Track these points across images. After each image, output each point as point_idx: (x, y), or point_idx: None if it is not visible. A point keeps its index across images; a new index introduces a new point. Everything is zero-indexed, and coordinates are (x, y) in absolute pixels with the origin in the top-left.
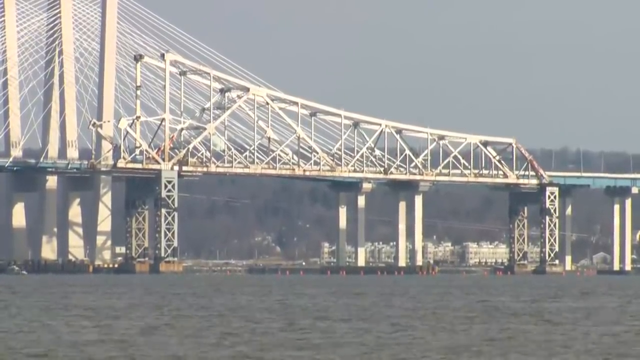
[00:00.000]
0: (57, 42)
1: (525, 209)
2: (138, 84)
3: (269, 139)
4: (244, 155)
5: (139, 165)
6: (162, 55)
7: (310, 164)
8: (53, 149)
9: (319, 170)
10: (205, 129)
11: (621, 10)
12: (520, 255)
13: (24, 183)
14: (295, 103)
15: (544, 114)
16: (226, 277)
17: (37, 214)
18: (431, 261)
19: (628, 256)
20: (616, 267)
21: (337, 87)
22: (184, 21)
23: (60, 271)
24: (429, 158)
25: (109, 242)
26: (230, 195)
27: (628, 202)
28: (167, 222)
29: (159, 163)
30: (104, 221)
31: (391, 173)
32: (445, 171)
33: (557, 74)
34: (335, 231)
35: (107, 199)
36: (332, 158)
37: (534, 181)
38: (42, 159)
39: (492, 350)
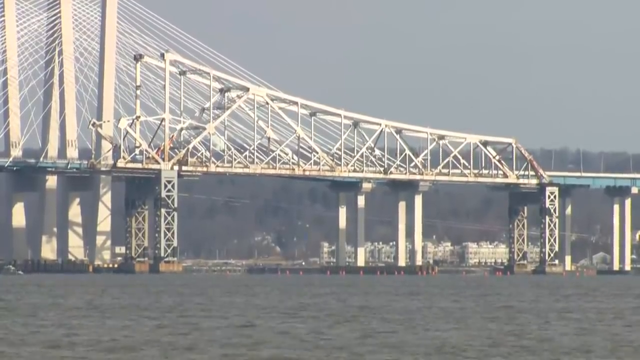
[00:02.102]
0: (57, 42)
1: (525, 209)
2: (138, 83)
3: (268, 138)
4: (243, 155)
5: (138, 165)
6: (162, 55)
7: (310, 163)
8: (53, 149)
9: (319, 170)
10: (205, 128)
11: (621, 11)
12: (520, 255)
13: (24, 183)
14: (295, 103)
15: (544, 114)
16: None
17: (36, 214)
18: (431, 261)
19: (628, 256)
20: (616, 267)
21: (337, 87)
22: (184, 21)
23: (59, 271)
24: (429, 158)
25: (108, 242)
26: (230, 195)
27: (628, 202)
28: (166, 222)
29: (158, 163)
30: (104, 221)
31: (391, 173)
32: (445, 171)
33: (557, 74)
34: (334, 231)
35: (106, 198)
36: (331, 158)
37: (534, 181)
38: (41, 159)
39: None
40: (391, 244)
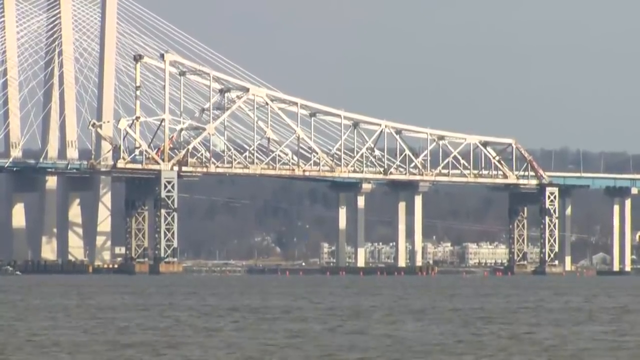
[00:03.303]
0: (56, 43)
1: (525, 209)
2: (138, 84)
3: (268, 139)
4: (243, 155)
5: (138, 166)
6: (162, 56)
7: (310, 164)
8: (53, 149)
9: (319, 170)
10: (204, 129)
11: (621, 11)
12: (520, 255)
13: (24, 183)
14: (295, 103)
15: (544, 114)
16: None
17: (37, 214)
18: (431, 262)
19: (628, 257)
20: (616, 267)
21: (337, 87)
22: (184, 21)
23: (59, 272)
24: (429, 158)
25: (108, 243)
26: (230, 196)
27: (628, 203)
28: (166, 222)
29: (158, 163)
30: (104, 221)
31: (391, 173)
32: (445, 171)
33: (557, 74)
34: (335, 232)
35: (106, 199)
36: (331, 158)
37: (534, 181)
38: (41, 159)
39: None
40: (391, 244)
